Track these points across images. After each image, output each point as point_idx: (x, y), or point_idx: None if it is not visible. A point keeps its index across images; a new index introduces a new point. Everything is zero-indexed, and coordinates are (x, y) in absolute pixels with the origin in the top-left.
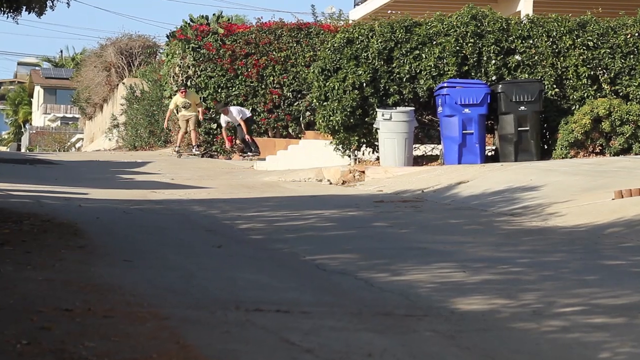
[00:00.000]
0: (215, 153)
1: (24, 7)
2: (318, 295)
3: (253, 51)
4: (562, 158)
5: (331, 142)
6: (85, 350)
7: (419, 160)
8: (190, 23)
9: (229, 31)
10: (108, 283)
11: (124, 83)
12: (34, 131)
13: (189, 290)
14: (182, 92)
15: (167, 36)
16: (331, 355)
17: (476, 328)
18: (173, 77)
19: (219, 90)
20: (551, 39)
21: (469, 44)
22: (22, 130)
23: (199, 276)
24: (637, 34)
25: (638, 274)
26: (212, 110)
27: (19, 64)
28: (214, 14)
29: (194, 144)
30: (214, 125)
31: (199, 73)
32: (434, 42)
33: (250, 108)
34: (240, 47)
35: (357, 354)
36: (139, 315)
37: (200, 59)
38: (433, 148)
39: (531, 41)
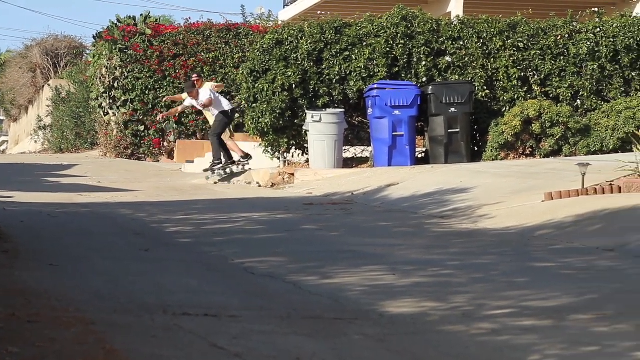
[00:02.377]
0: (143, 155)
1: None
2: (247, 299)
3: (181, 52)
4: (493, 160)
5: (260, 144)
6: (9, 356)
7: (348, 163)
8: (117, 24)
9: (157, 32)
10: (33, 288)
11: (49, 84)
12: None
13: (116, 295)
14: (193, 78)
15: (94, 37)
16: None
17: (406, 331)
18: (100, 78)
19: (147, 92)
20: (481, 40)
21: (399, 45)
22: None
23: (126, 280)
24: (567, 36)
25: (567, 276)
26: (139, 112)
27: None
28: (141, 15)
29: (238, 156)
30: (142, 127)
31: (126, 74)
32: (364, 43)
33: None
34: (168, 48)
35: (285, 358)
36: (64, 320)
37: (128, 60)
38: (363, 150)
39: (461, 42)
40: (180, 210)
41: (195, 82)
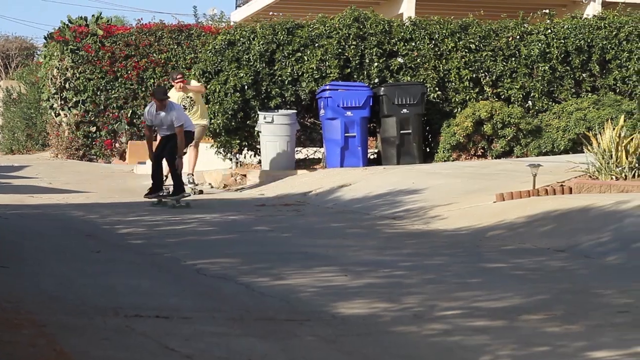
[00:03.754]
0: (95, 157)
1: None
2: (199, 301)
3: (133, 53)
4: (445, 161)
5: (212, 145)
6: None
7: (301, 164)
8: (69, 24)
9: (109, 33)
10: None
11: (0, 85)
12: None
13: (68, 297)
14: (177, 81)
15: (45, 38)
16: None
17: (357, 332)
18: (51, 79)
19: (98, 93)
20: (433, 42)
21: (352, 47)
22: None
23: (78, 282)
24: (518, 37)
25: (519, 277)
26: (90, 113)
27: None
28: (93, 15)
29: (191, 171)
30: (93, 129)
31: (77, 75)
32: (316, 45)
33: (130, 111)
34: (120, 48)
35: (238, 359)
36: (15, 322)
37: (79, 61)
38: (315, 151)
39: (413, 44)
40: (132, 211)
41: (176, 82)
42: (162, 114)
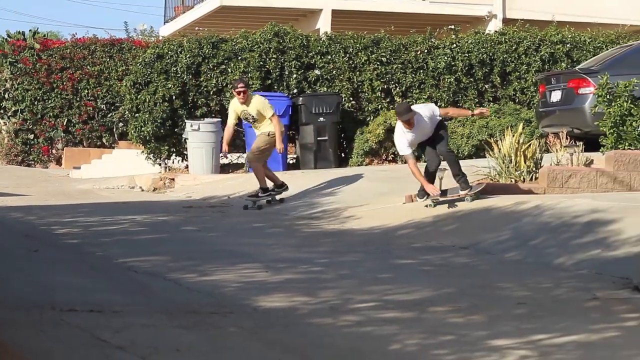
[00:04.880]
0: (33, 162)
1: None
2: (130, 296)
3: (68, 65)
4: (358, 165)
5: (143, 152)
6: None
7: (225, 168)
8: (8, 38)
9: (45, 46)
10: None
11: None
12: None
13: (6, 293)
14: (239, 93)
15: None
16: (141, 351)
17: (277, 324)
18: None
19: (36, 103)
20: (348, 55)
21: (272, 59)
22: None
23: (16, 279)
24: (426, 51)
25: (426, 272)
26: (28, 121)
27: None
28: (30, 30)
29: (271, 186)
30: (31, 136)
31: (16, 86)
32: (239, 58)
33: (66, 119)
34: (55, 61)
35: (165, 349)
36: None
37: (17, 73)
38: (239, 157)
39: (329, 57)
40: (68, 213)
41: (238, 94)
42: (414, 133)
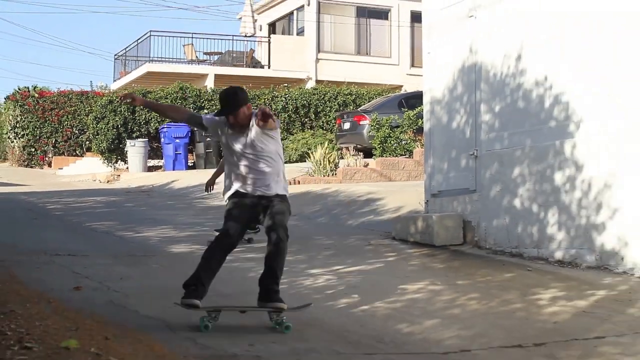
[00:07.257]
0: (34, 165)
1: None
2: (93, 246)
3: (55, 107)
4: None
5: (101, 159)
6: None
7: (151, 168)
8: (18, 90)
9: (41, 95)
10: None
11: None
12: None
13: (16, 244)
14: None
15: (5, 98)
16: (99, 279)
17: (180, 261)
18: (8, 121)
19: (35, 129)
20: None
21: (178, 104)
22: None
23: (23, 236)
24: (270, 99)
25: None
26: (31, 141)
27: None
28: (31, 85)
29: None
30: (33, 149)
31: (23, 119)
32: (159, 102)
33: (54, 139)
34: (47, 104)
35: (114, 278)
36: None
37: (24, 111)
38: (159, 162)
39: (213, 102)
40: (55, 196)
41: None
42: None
